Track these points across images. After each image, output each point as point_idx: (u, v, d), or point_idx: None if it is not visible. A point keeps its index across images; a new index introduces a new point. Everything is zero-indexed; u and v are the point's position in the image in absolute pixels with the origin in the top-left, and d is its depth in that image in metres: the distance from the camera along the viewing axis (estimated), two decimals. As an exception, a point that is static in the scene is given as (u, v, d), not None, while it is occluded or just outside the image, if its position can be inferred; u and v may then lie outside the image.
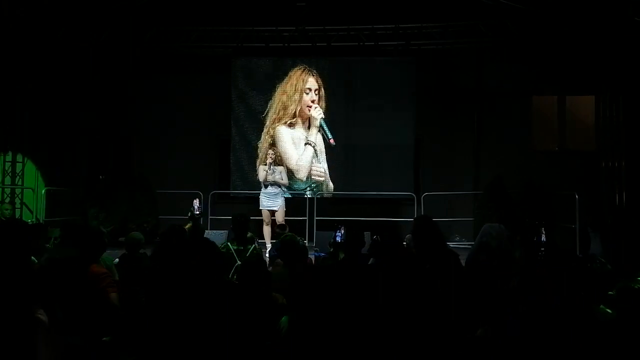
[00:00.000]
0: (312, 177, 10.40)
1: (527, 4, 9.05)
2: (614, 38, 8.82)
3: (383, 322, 2.86)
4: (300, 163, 10.39)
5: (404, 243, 5.09)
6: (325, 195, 10.39)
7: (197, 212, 8.00)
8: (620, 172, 9.48)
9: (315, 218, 9.40)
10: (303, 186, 10.34)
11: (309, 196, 9.96)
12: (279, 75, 10.58)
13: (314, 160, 10.37)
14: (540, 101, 10.57)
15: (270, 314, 3.06)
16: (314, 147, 10.35)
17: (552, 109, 10.55)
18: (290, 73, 10.48)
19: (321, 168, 10.41)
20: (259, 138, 10.54)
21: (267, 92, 10.59)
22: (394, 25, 10.18)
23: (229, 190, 10.65)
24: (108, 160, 10.71)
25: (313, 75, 10.44)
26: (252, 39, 10.54)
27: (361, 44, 10.41)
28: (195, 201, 7.98)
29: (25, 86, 9.00)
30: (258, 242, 6.47)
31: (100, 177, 9.83)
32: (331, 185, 10.47)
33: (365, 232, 5.43)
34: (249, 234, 4.88)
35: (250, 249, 4.47)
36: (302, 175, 10.38)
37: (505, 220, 8.55)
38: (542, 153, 10.20)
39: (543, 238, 7.00)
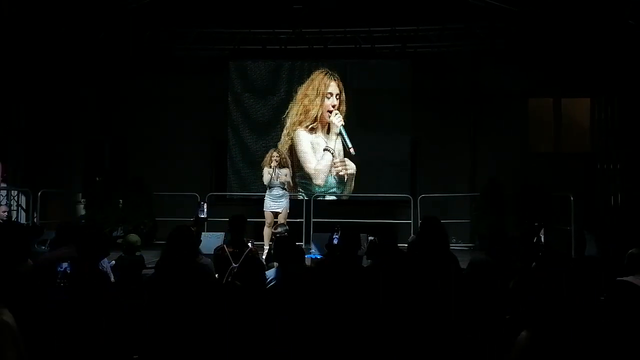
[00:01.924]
0: (329, 184, 10.37)
1: (523, 6, 9.09)
2: (609, 41, 8.87)
3: (381, 322, 2.86)
4: (319, 169, 10.37)
5: (406, 245, 5.09)
6: (323, 197, 10.38)
7: (203, 216, 8.00)
8: (616, 173, 9.54)
9: (312, 220, 9.40)
10: (320, 190, 10.29)
11: (303, 197, 9.96)
12: (276, 77, 10.57)
13: (332, 167, 10.32)
14: (536, 103, 10.62)
15: (266, 314, 3.07)
16: (332, 153, 10.34)
17: (548, 111, 10.60)
18: (312, 76, 10.45)
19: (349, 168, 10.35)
20: (256, 140, 10.52)
21: (264, 94, 10.58)
22: (390, 28, 10.20)
23: (226, 192, 10.62)
24: (104, 162, 10.67)
25: (335, 80, 10.40)
26: (248, 41, 10.55)
27: (357, 46, 10.44)
28: (203, 204, 7.94)
29: (21, 87, 8.98)
30: (254, 244, 6.45)
31: (97, 178, 9.79)
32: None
33: (361, 234, 5.44)
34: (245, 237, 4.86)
35: (246, 251, 4.43)
36: (319, 181, 10.36)
37: (500, 222, 8.65)
38: (538, 155, 10.24)
39: (542, 239, 7.01)
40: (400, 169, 10.33)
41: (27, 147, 9.26)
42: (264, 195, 7.98)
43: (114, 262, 4.87)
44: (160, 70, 10.61)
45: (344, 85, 10.42)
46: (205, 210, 8.04)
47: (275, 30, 10.38)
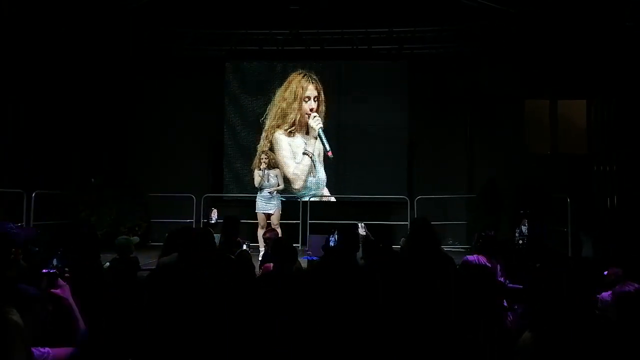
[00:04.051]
0: (309, 186, 10.34)
1: (520, 8, 9.10)
2: (606, 42, 8.88)
3: (381, 322, 2.85)
4: (297, 173, 10.34)
5: (398, 246, 5.09)
6: (319, 198, 10.35)
7: (213, 222, 7.95)
8: (612, 175, 9.54)
9: (309, 221, 9.37)
10: (299, 194, 10.26)
11: (303, 199, 9.92)
12: (273, 78, 10.56)
13: (311, 170, 10.31)
14: (533, 105, 10.62)
15: (262, 314, 3.04)
16: (311, 157, 10.30)
17: (545, 112, 10.60)
18: (289, 78, 10.40)
19: (317, 179, 10.34)
20: (252, 141, 10.50)
21: (261, 96, 10.57)
22: (387, 29, 10.20)
23: (222, 193, 10.58)
24: (100, 163, 10.60)
25: (312, 82, 10.36)
26: (245, 42, 10.53)
27: (354, 47, 10.42)
28: (213, 211, 7.89)
29: (18, 87, 8.92)
30: (250, 245, 6.44)
31: (92, 180, 9.72)
32: (326, 191, 10.43)
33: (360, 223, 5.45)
34: (238, 238, 4.84)
35: (238, 251, 4.40)
36: (298, 185, 10.33)
37: (497, 224, 8.64)
38: (534, 156, 10.23)
39: (524, 230, 6.95)
40: (397, 170, 10.32)
41: (22, 148, 9.19)
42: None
43: (108, 263, 4.83)
44: (158, 70, 10.57)
45: (342, 85, 10.38)
46: (215, 218, 7.94)
47: (272, 31, 10.37)
